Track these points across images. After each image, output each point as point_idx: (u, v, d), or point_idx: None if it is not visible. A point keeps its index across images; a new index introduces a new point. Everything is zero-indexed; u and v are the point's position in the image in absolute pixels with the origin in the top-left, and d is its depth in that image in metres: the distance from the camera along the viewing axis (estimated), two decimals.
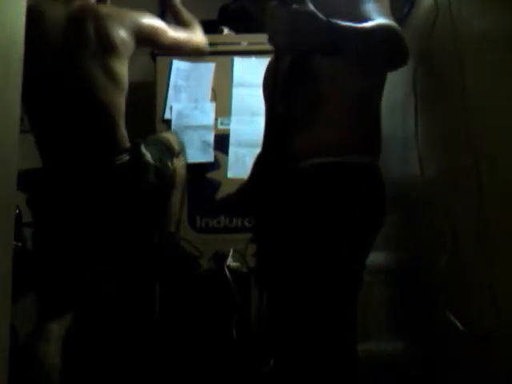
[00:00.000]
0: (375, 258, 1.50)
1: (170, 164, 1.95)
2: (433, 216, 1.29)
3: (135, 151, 1.85)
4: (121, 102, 1.88)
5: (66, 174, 1.79)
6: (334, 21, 1.08)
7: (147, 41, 1.96)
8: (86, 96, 1.82)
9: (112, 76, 1.84)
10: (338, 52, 1.10)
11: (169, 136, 2.09)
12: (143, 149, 1.86)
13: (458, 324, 1.11)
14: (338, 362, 1.15)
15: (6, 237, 1.03)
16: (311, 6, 1.07)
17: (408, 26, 1.45)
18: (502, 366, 0.99)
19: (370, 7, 1.19)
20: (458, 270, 1.15)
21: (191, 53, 2.18)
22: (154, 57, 2.41)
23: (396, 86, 1.43)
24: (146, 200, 1.87)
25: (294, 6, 1.06)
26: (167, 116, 2.33)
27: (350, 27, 1.10)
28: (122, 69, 1.87)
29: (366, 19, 1.14)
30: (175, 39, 2.02)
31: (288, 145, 1.26)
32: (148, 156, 1.86)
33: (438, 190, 1.27)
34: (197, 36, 2.09)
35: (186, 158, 2.09)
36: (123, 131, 1.87)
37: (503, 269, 1.01)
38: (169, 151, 1.97)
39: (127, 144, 1.87)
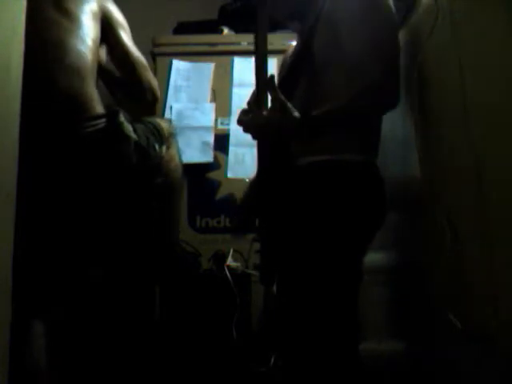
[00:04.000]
0: (375, 258, 1.50)
1: (157, 148, 1.69)
2: (433, 216, 1.29)
3: (112, 118, 1.54)
4: (85, 51, 1.57)
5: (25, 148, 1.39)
6: (308, 116, 1.14)
7: (104, 24, 1.69)
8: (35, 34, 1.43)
9: (70, 17, 1.56)
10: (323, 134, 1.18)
11: (160, 121, 1.86)
12: (121, 117, 1.57)
13: (458, 324, 1.11)
14: (338, 360, 1.15)
15: (6, 236, 1.03)
16: (282, 99, 1.14)
17: (408, 25, 1.45)
18: (502, 366, 0.99)
19: (357, 43, 1.19)
20: (458, 270, 1.15)
21: (137, 86, 1.74)
22: (153, 56, 2.41)
23: None
24: (124, 185, 1.61)
25: (264, 113, 1.16)
26: (167, 116, 2.33)
27: (327, 116, 1.15)
28: (86, 16, 1.60)
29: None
30: (133, 52, 1.73)
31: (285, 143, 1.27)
32: (128, 127, 1.58)
33: (438, 190, 1.27)
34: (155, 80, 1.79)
35: (179, 152, 1.87)
36: (93, 91, 1.56)
37: (503, 268, 1.01)
38: (159, 135, 1.74)
39: (100, 109, 1.56)
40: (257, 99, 1.22)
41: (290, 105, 1.15)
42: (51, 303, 1.68)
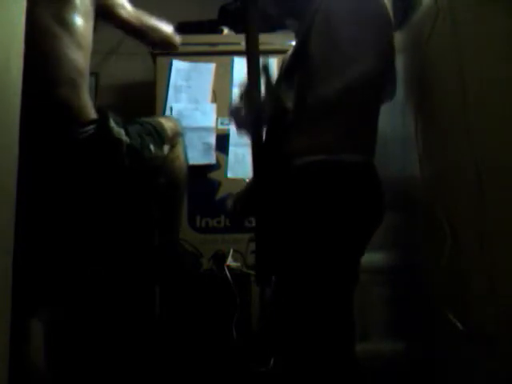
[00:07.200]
0: (375, 258, 1.50)
1: (153, 148, 1.69)
2: (433, 216, 1.29)
3: (102, 123, 1.57)
4: (79, 58, 1.60)
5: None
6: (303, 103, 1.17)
7: (102, 6, 1.71)
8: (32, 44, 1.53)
9: (66, 26, 1.59)
10: None
11: (163, 120, 1.87)
12: (112, 121, 1.59)
13: (458, 324, 1.11)
14: (332, 359, 1.15)
15: (5, 236, 1.03)
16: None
17: (408, 25, 1.45)
18: (501, 366, 0.99)
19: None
20: (458, 270, 1.15)
21: (159, 42, 1.91)
22: (154, 57, 2.41)
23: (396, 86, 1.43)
24: (120, 186, 1.65)
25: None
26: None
27: (322, 103, 1.18)
28: (80, 22, 1.63)
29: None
30: (137, 17, 1.78)
31: (283, 143, 1.27)
32: (118, 130, 1.60)
33: (438, 190, 1.27)
34: (166, 27, 1.88)
35: (185, 150, 1.89)
36: (86, 98, 1.59)
37: (503, 269, 1.01)
38: (158, 136, 1.74)
39: (92, 115, 1.59)
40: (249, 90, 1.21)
41: (281, 94, 1.14)
42: (51, 303, 1.68)
